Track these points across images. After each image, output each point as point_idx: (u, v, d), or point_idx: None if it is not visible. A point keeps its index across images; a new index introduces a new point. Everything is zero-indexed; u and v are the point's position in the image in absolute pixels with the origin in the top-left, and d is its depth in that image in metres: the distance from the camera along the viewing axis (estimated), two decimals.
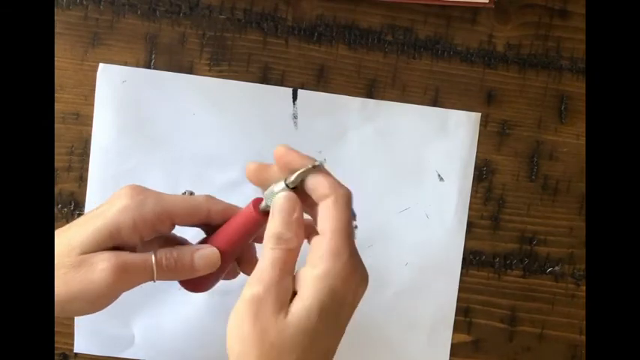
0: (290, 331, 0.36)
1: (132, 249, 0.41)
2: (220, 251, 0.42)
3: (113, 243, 0.40)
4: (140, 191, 0.41)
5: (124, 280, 0.40)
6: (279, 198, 0.39)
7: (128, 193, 0.41)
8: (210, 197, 0.43)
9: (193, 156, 0.55)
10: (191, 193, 0.44)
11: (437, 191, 0.56)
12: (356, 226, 0.39)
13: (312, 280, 0.36)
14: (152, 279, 0.41)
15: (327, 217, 0.37)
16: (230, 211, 0.43)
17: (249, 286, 0.37)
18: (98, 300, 0.40)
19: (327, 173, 0.39)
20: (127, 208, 0.40)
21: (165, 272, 0.41)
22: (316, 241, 0.38)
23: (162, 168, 0.55)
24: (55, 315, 0.39)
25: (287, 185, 0.39)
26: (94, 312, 0.42)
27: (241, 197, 0.51)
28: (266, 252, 0.38)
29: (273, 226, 0.38)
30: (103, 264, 0.39)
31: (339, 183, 0.39)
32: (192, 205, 0.42)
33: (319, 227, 0.38)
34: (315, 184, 0.38)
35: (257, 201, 0.42)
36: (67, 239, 0.40)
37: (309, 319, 0.36)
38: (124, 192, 0.41)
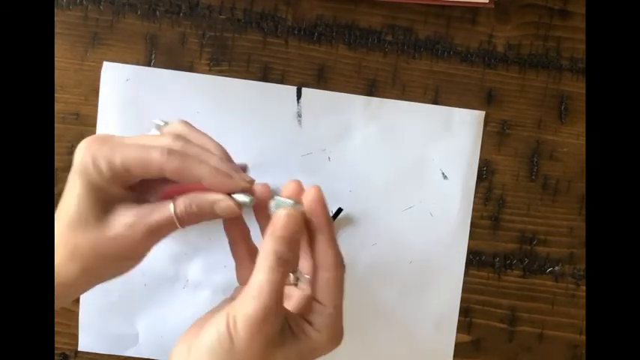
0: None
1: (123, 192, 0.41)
2: None
3: (100, 196, 0.39)
4: (93, 149, 0.39)
5: (153, 239, 0.40)
6: (287, 214, 0.39)
7: (84, 154, 0.39)
8: (169, 151, 0.39)
9: None
10: (165, 123, 0.43)
11: (441, 190, 0.56)
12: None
13: (309, 336, 0.39)
14: (176, 228, 0.41)
15: (329, 290, 0.40)
16: (185, 172, 0.39)
17: (245, 303, 0.37)
18: (136, 259, 0.42)
19: (334, 238, 0.40)
20: (86, 171, 0.39)
21: (188, 221, 0.41)
22: (318, 307, 0.40)
23: None
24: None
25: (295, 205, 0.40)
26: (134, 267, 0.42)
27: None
28: (266, 270, 0.38)
29: (276, 243, 0.38)
30: (127, 226, 0.39)
31: (341, 257, 0.40)
32: (144, 164, 0.39)
33: (319, 294, 0.40)
34: (323, 251, 0.40)
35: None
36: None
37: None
38: (79, 161, 0.39)
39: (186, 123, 0.43)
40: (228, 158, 0.42)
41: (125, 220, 0.40)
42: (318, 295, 0.40)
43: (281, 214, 0.39)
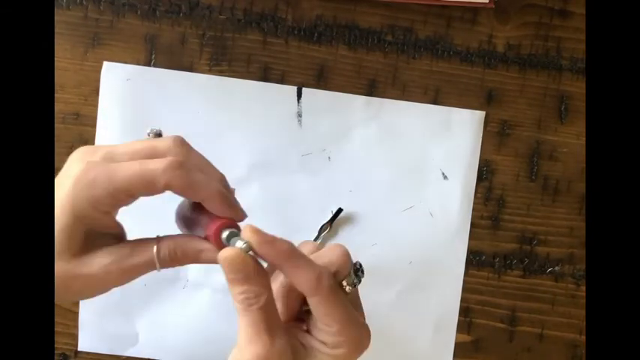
0: None
1: (107, 218, 0.39)
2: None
3: (86, 229, 0.38)
4: (91, 168, 0.37)
5: (128, 277, 0.39)
6: (226, 260, 0.35)
7: (77, 175, 0.37)
8: (172, 162, 0.37)
9: None
10: (158, 134, 0.41)
11: (441, 190, 0.56)
12: (361, 277, 0.40)
13: (329, 355, 0.38)
14: (154, 269, 0.40)
15: (323, 312, 0.37)
16: (191, 190, 0.37)
17: (243, 355, 0.35)
18: (104, 291, 0.40)
19: (299, 264, 0.36)
20: (78, 197, 0.37)
21: (169, 264, 0.40)
22: (324, 328, 0.37)
23: None
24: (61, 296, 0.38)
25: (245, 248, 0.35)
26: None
27: (246, 196, 0.51)
28: (241, 315, 0.36)
29: (233, 286, 0.36)
30: (103, 268, 0.38)
31: (321, 274, 0.36)
32: (147, 181, 0.37)
33: (318, 318, 0.37)
34: (295, 281, 0.36)
35: (219, 229, 0.38)
36: None
37: None
38: (74, 170, 0.38)
39: (182, 141, 0.40)
40: (225, 182, 0.40)
41: (102, 261, 0.38)
42: (318, 318, 0.37)
43: (222, 258, 0.36)
